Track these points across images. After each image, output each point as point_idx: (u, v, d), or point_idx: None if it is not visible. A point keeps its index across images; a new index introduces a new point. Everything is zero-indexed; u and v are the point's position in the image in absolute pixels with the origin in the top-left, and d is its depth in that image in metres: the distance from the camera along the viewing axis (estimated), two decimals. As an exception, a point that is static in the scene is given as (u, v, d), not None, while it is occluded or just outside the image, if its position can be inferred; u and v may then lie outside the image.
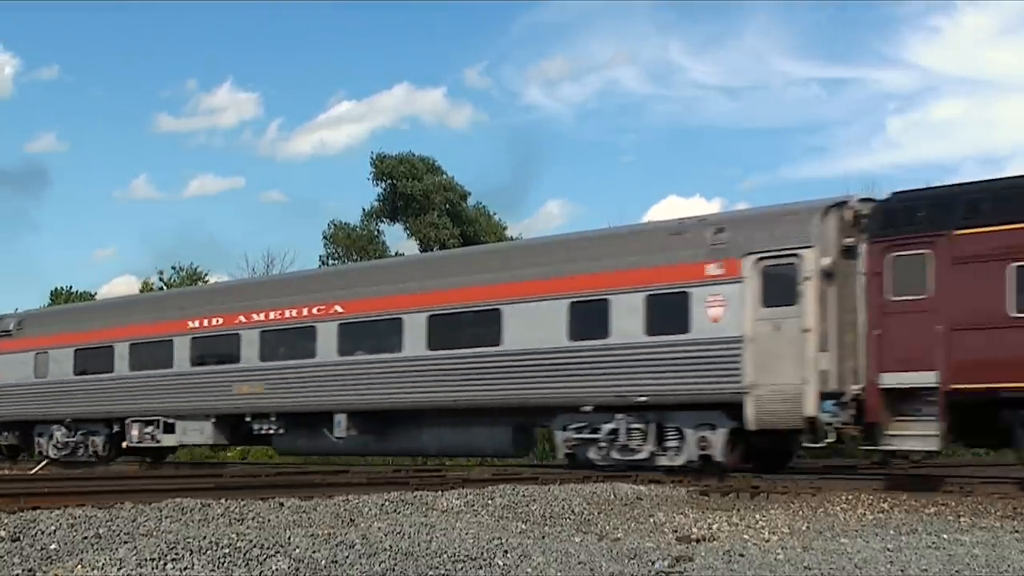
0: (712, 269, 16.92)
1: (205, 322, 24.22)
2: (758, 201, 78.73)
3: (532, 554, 8.02)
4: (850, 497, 13.18)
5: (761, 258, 16.50)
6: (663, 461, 17.47)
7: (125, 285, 60.31)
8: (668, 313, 17.29)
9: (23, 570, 7.17)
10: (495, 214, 48.03)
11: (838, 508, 12.47)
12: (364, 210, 47.77)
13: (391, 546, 7.93)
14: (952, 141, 72.68)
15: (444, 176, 46.69)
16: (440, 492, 12.43)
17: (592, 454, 18.27)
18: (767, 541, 9.62)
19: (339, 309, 21.80)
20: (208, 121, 78.28)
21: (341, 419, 21.32)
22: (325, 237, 47.58)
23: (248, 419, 23.35)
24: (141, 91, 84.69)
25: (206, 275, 49.65)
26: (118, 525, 9.06)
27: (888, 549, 8.92)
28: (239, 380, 23.29)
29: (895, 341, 15.35)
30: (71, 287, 53.20)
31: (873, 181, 51.51)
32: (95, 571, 6.74)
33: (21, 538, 8.17)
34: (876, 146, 73.85)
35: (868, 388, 15.57)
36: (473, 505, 11.68)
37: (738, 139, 78.24)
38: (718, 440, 16.82)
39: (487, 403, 19.31)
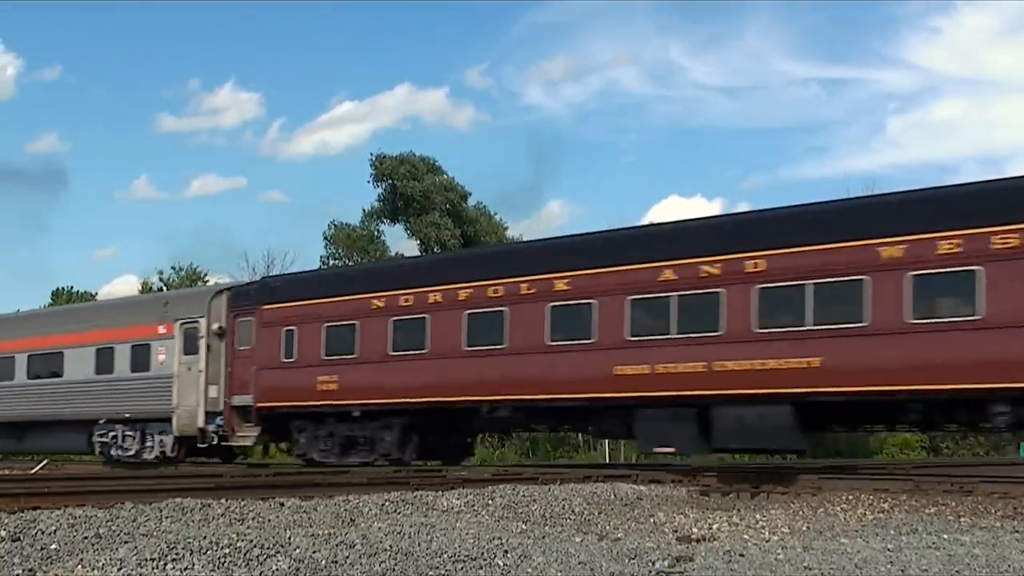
0: (161, 329, 25.82)
1: None
2: (759, 201, 78.89)
3: (532, 554, 8.02)
4: (850, 497, 13.18)
5: (184, 323, 25.35)
6: (145, 456, 25.84)
7: (126, 285, 60.52)
8: (142, 357, 26.13)
9: (23, 570, 7.17)
10: (495, 214, 47.97)
11: (838, 508, 12.48)
12: (364, 211, 47.71)
13: (391, 546, 7.93)
14: (952, 141, 72.85)
15: (444, 176, 46.50)
16: (440, 492, 12.44)
17: (113, 451, 26.50)
18: (767, 541, 9.62)
19: None
20: (210, 121, 78.59)
21: None
22: (326, 237, 47.58)
23: None
24: (143, 91, 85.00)
25: (205, 275, 49.66)
26: (118, 525, 9.05)
27: (888, 549, 8.91)
28: None
29: (237, 375, 24.18)
30: (72, 287, 53.28)
31: (873, 181, 51.64)
32: (95, 571, 6.74)
33: (21, 538, 8.17)
34: (876, 146, 74.04)
35: (225, 406, 24.31)
36: (473, 505, 11.68)
37: (738, 139, 78.46)
38: (168, 442, 25.39)
39: (60, 416, 28.00)
